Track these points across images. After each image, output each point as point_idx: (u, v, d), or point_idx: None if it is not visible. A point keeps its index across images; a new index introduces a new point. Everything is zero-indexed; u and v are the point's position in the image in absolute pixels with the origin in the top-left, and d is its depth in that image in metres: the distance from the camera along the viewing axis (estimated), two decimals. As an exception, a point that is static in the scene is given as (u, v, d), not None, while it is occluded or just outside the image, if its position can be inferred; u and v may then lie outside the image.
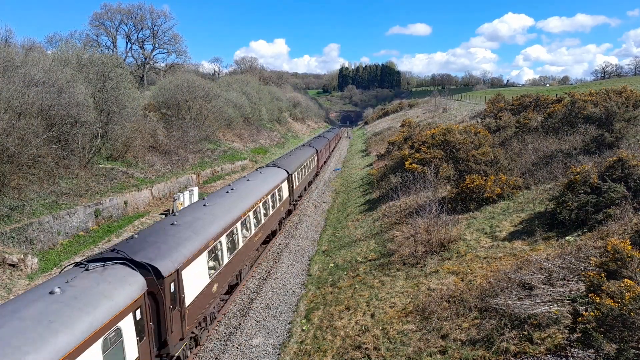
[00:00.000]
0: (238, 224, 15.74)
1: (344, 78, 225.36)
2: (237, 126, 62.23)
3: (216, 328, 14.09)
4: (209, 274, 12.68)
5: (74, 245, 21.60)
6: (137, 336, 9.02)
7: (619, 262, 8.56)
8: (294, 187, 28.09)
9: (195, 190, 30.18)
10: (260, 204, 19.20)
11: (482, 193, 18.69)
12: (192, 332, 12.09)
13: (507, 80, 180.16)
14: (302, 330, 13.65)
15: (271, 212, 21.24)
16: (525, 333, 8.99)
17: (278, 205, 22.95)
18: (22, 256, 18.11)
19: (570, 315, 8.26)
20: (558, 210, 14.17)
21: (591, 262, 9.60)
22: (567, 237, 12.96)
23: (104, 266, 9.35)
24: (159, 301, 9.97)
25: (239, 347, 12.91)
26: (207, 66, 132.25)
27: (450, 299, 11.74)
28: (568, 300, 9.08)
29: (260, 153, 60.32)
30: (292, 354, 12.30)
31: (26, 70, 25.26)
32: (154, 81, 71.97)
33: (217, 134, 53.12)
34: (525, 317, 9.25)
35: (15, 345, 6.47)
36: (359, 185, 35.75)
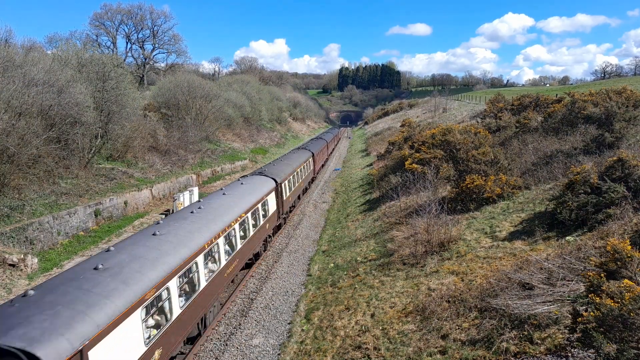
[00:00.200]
0: (199, 257, 12.14)
1: (344, 78, 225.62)
2: (237, 126, 62.25)
3: (216, 328, 14.09)
4: (146, 339, 9.17)
5: (74, 245, 21.62)
6: None
7: (618, 262, 8.57)
8: (284, 198, 24.48)
9: (195, 190, 30.19)
10: (236, 225, 15.70)
11: (482, 193, 18.68)
12: None
13: (507, 80, 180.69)
14: (302, 330, 13.64)
15: (252, 233, 17.71)
16: (525, 333, 8.99)
17: (262, 222, 19.45)
18: (22, 256, 18.11)
19: (570, 316, 8.26)
20: (558, 210, 14.17)
21: (591, 262, 9.60)
22: (567, 237, 12.96)
23: None
24: None
25: (239, 347, 12.91)
26: (207, 66, 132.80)
27: (450, 299, 11.73)
28: (568, 300, 9.07)
29: (260, 153, 60.33)
30: (292, 354, 12.30)
31: (26, 70, 25.25)
32: (154, 81, 72.01)
33: (217, 134, 53.12)
34: (525, 317, 9.24)
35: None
36: (359, 185, 35.74)
